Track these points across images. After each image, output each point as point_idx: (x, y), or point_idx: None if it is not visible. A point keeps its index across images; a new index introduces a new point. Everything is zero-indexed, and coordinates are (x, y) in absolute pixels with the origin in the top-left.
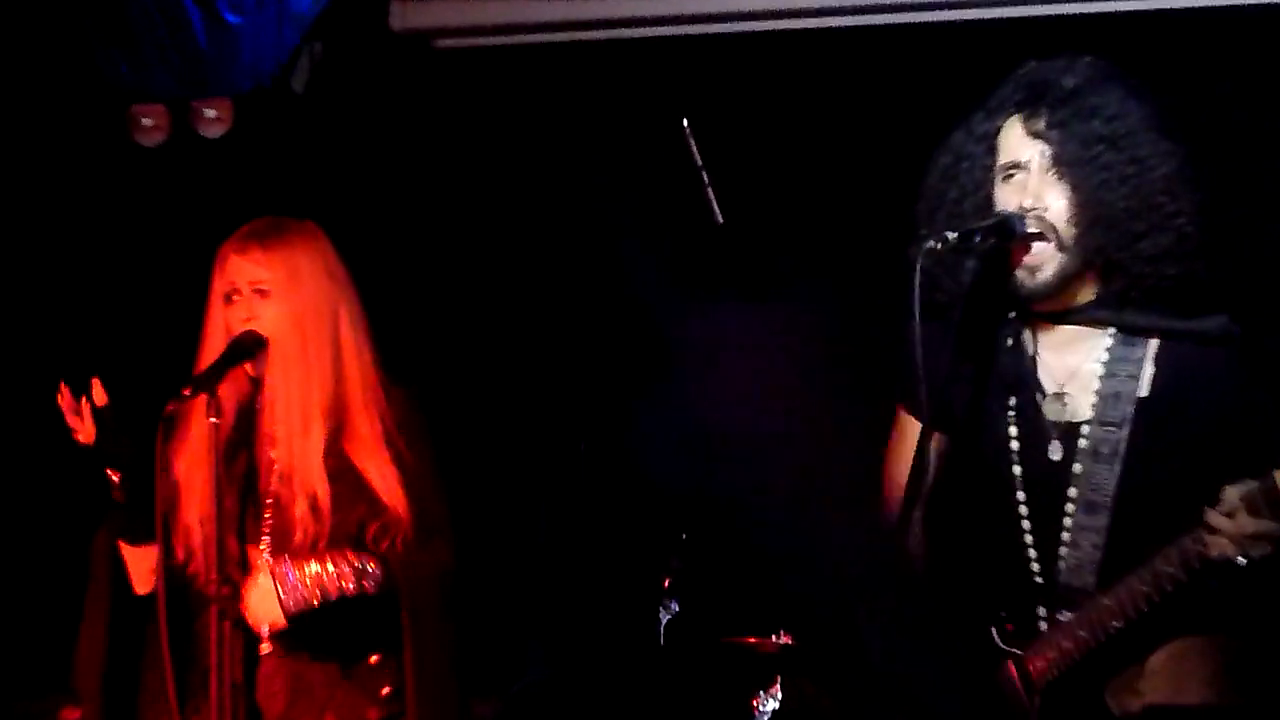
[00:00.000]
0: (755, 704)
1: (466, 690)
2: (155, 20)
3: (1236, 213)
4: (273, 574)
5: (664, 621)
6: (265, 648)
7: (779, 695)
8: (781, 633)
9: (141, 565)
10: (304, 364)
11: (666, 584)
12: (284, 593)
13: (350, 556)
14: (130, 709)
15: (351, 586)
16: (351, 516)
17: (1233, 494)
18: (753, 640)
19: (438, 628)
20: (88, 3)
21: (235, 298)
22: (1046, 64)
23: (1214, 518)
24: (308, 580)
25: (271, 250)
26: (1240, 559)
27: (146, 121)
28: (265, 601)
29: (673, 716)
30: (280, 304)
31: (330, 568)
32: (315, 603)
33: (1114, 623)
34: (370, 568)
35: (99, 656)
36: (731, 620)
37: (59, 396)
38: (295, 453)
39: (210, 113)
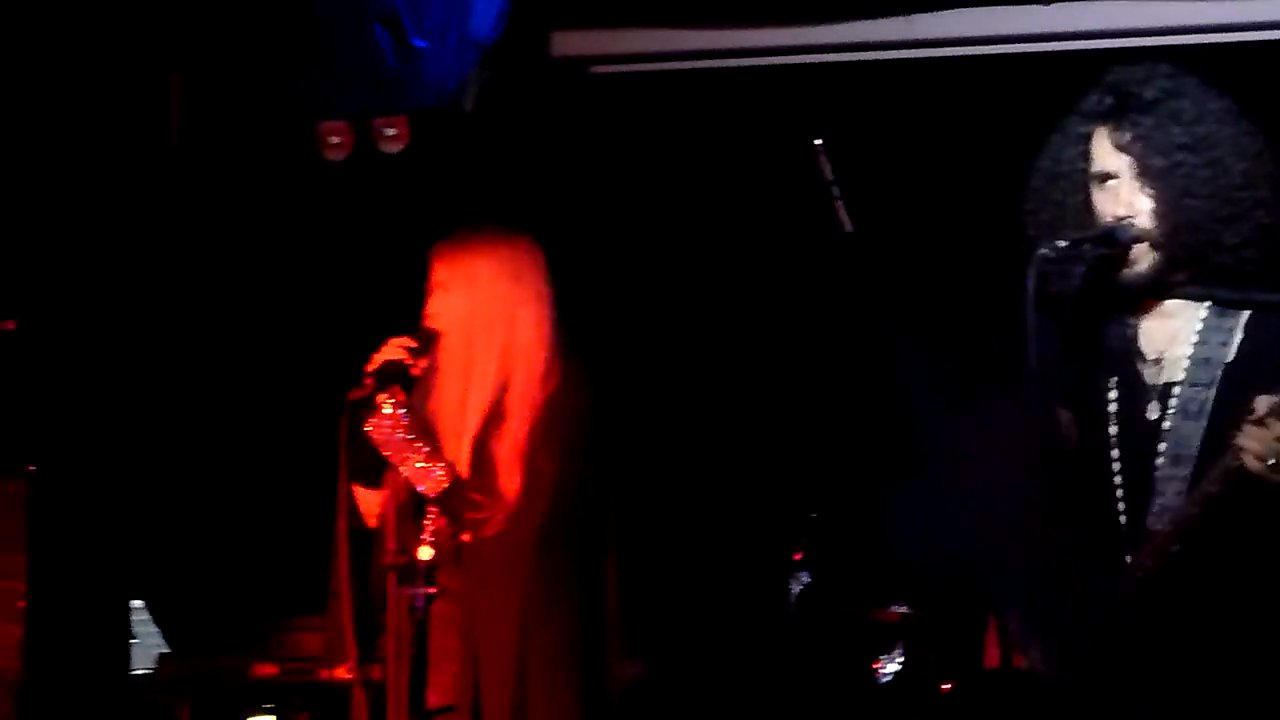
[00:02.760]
0: (877, 667)
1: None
2: (349, 42)
3: None
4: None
5: (795, 592)
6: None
7: (899, 659)
8: (901, 603)
9: (371, 506)
10: (467, 362)
11: (798, 557)
12: None
13: None
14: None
15: None
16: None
17: (1263, 403)
18: (875, 609)
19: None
20: (287, 26)
21: (432, 294)
22: (1127, 71)
23: (1245, 428)
24: None
25: (457, 252)
26: (1276, 476)
27: (333, 139)
28: None
29: (804, 677)
30: (454, 303)
31: None
32: None
33: (1171, 547)
34: None
35: (345, 585)
36: (857, 591)
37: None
38: (448, 444)
39: (390, 130)
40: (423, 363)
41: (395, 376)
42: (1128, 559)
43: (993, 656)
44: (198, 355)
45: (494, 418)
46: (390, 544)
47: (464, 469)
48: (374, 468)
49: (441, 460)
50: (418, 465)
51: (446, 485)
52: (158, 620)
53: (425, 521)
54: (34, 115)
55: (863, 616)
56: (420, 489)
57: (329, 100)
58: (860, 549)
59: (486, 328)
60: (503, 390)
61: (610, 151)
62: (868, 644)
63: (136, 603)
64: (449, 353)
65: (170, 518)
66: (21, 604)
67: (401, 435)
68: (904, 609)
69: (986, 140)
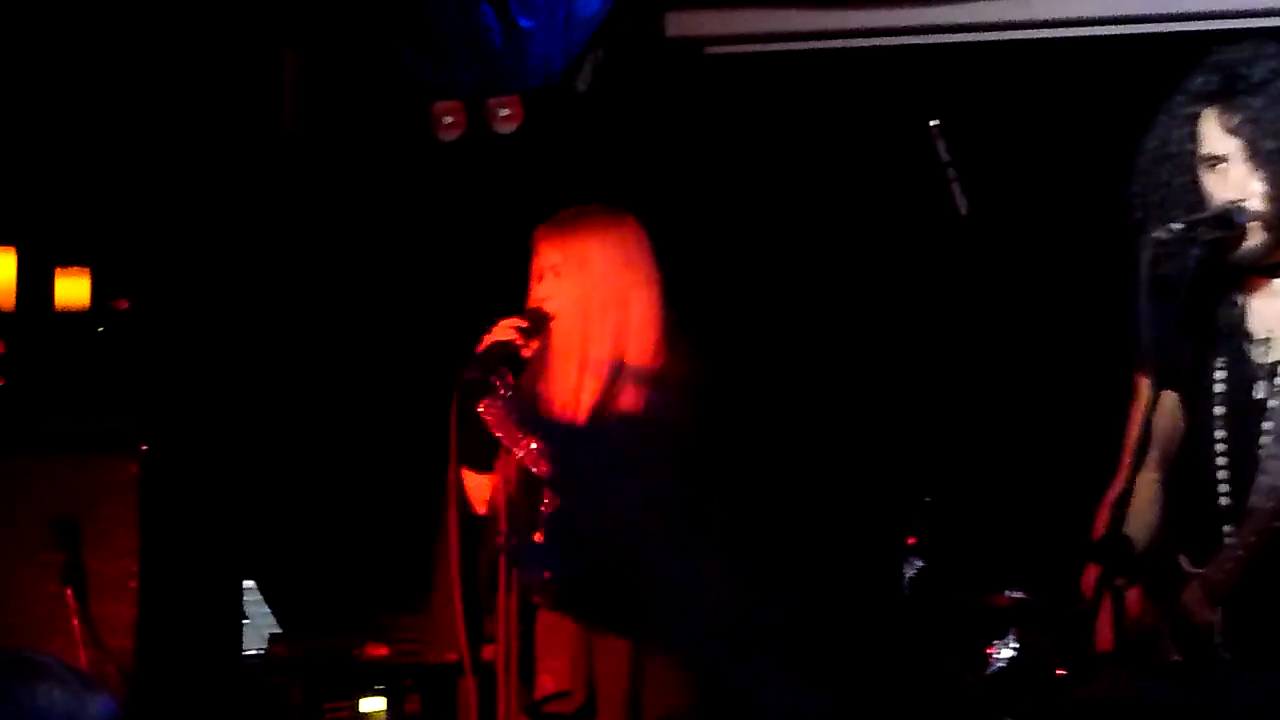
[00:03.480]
0: (991, 652)
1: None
2: (455, 22)
3: None
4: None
5: (909, 576)
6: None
7: (1014, 645)
8: (1015, 589)
9: (479, 491)
10: (583, 344)
11: (912, 542)
12: None
13: None
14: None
15: None
16: None
17: None
18: (989, 594)
19: None
20: (395, 7)
21: (540, 277)
22: (1234, 51)
23: None
24: None
25: (566, 235)
26: None
27: (447, 119)
28: None
29: (917, 661)
30: (568, 286)
31: None
32: None
33: (1274, 522)
34: None
35: (455, 567)
36: (970, 576)
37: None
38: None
39: (503, 111)
40: (534, 344)
41: (506, 358)
42: (1227, 539)
43: (1105, 639)
44: (310, 336)
45: (606, 400)
46: (502, 525)
47: None
48: (484, 450)
49: None
50: (532, 447)
51: None
52: (270, 600)
53: (542, 506)
54: (149, 96)
55: (976, 601)
56: (534, 470)
57: (438, 80)
58: (974, 534)
59: (600, 311)
60: (615, 373)
61: (725, 133)
62: (981, 629)
63: (248, 583)
64: (562, 336)
65: (283, 497)
66: (134, 584)
67: (514, 417)
68: (1018, 594)
69: (1103, 121)
